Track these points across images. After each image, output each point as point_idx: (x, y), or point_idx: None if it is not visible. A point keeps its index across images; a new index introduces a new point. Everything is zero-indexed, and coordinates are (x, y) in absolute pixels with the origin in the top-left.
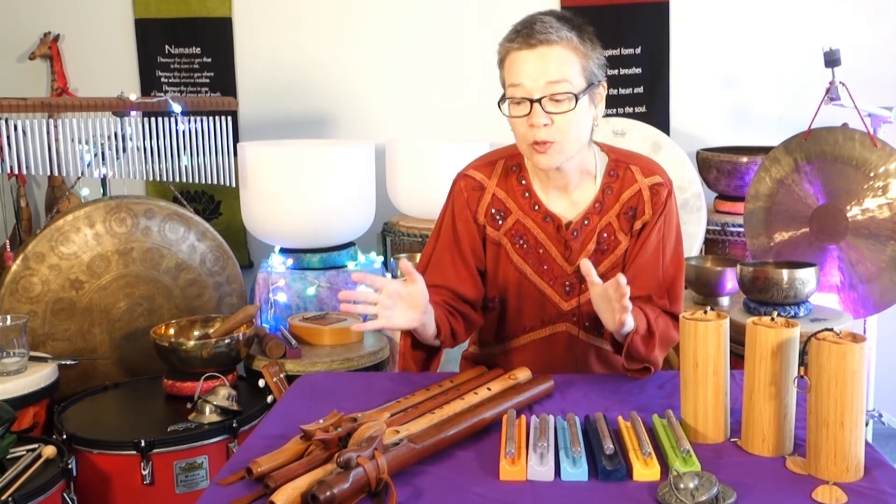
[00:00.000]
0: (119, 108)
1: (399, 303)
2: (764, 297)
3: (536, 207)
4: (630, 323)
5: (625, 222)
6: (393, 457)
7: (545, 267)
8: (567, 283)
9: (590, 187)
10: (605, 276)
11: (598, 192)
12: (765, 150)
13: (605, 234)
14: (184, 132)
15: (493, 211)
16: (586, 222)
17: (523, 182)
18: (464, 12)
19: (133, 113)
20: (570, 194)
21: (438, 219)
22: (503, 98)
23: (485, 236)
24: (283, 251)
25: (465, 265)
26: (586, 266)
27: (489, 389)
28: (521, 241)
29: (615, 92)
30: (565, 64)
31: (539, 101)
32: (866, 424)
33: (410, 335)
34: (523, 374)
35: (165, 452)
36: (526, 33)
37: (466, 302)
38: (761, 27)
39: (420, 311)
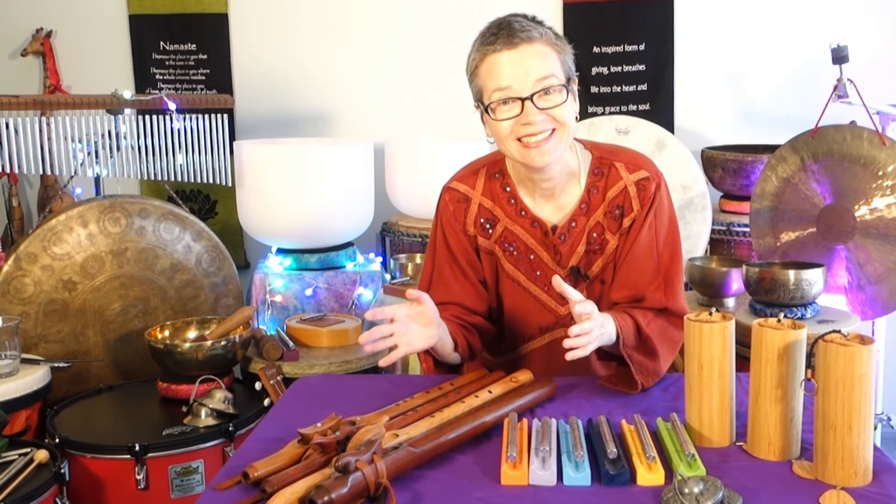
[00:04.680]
0: (113, 105)
1: (412, 325)
2: (770, 298)
3: (523, 213)
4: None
5: (612, 221)
6: (392, 461)
7: (538, 273)
8: None
9: (575, 189)
10: (598, 277)
11: (584, 193)
12: (771, 149)
13: (595, 235)
14: (179, 130)
15: (482, 220)
16: (573, 225)
17: (508, 189)
18: (463, 9)
19: (127, 111)
20: (556, 198)
21: (430, 236)
22: (485, 108)
23: (477, 247)
24: (281, 251)
25: (466, 277)
26: (557, 283)
27: (490, 392)
28: (512, 249)
29: (619, 89)
30: (548, 59)
31: (531, 98)
32: (874, 428)
33: (431, 356)
34: (524, 376)
35: (160, 456)
36: (506, 34)
37: (476, 313)
38: (767, 23)
39: (434, 325)
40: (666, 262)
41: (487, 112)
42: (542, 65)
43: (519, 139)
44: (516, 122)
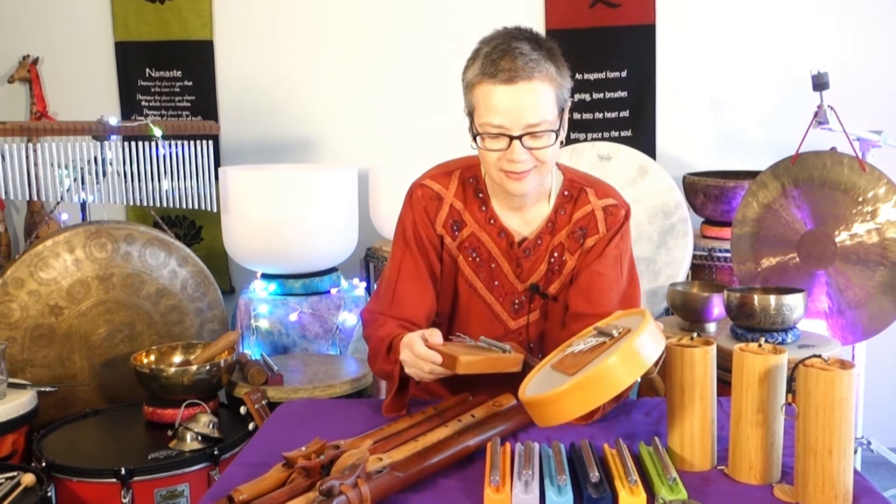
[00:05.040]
0: (99, 132)
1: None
2: (751, 323)
3: (492, 221)
4: None
5: (573, 242)
6: (376, 485)
7: (496, 283)
8: (516, 300)
9: (543, 206)
10: (555, 298)
11: (551, 212)
12: (752, 175)
13: (556, 254)
14: (164, 156)
15: (452, 222)
16: (539, 241)
17: (480, 195)
18: (447, 36)
19: (113, 137)
20: (524, 212)
21: (398, 230)
22: (475, 131)
23: (442, 247)
24: (265, 277)
25: (431, 276)
26: None
27: (473, 416)
28: (474, 255)
29: (601, 116)
30: (544, 99)
31: (519, 138)
32: (855, 452)
33: (397, 388)
34: (507, 400)
35: (146, 480)
36: (509, 69)
37: (420, 325)
38: (748, 50)
39: None
40: (629, 290)
41: (475, 138)
42: (536, 108)
43: (501, 169)
44: (502, 157)
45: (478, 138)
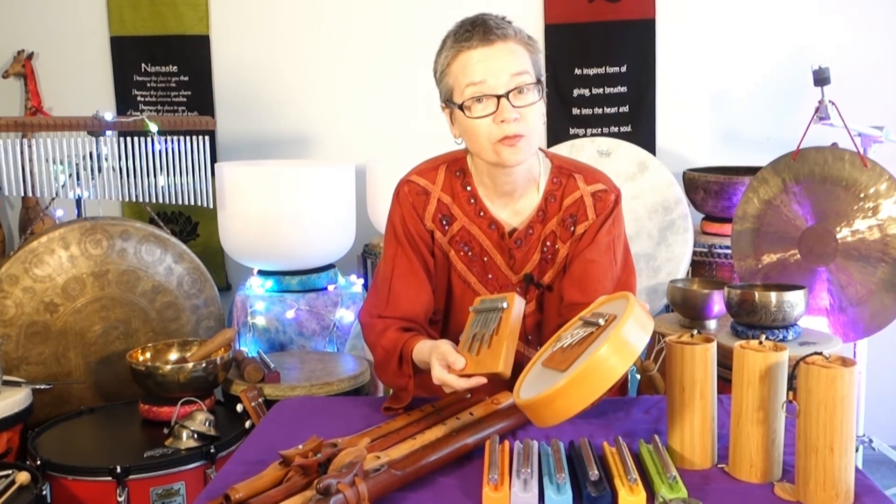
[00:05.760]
0: (94, 127)
1: None
2: (752, 320)
3: (482, 214)
4: None
5: (564, 231)
6: (374, 483)
7: (489, 276)
8: None
9: (533, 195)
10: (550, 288)
11: (541, 200)
12: (753, 171)
13: (548, 244)
14: (160, 152)
15: (440, 216)
16: (530, 231)
17: (468, 188)
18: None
19: (109, 132)
20: (514, 202)
21: (388, 228)
22: (459, 106)
23: (433, 243)
24: (262, 273)
25: (426, 272)
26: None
27: (471, 414)
28: (466, 249)
29: (600, 111)
30: (522, 57)
31: (506, 95)
32: (856, 450)
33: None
34: (506, 398)
35: (142, 479)
36: (482, 31)
37: (419, 321)
38: (749, 45)
39: None
40: (624, 276)
41: (462, 110)
42: (517, 61)
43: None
44: (492, 121)
45: (464, 109)
